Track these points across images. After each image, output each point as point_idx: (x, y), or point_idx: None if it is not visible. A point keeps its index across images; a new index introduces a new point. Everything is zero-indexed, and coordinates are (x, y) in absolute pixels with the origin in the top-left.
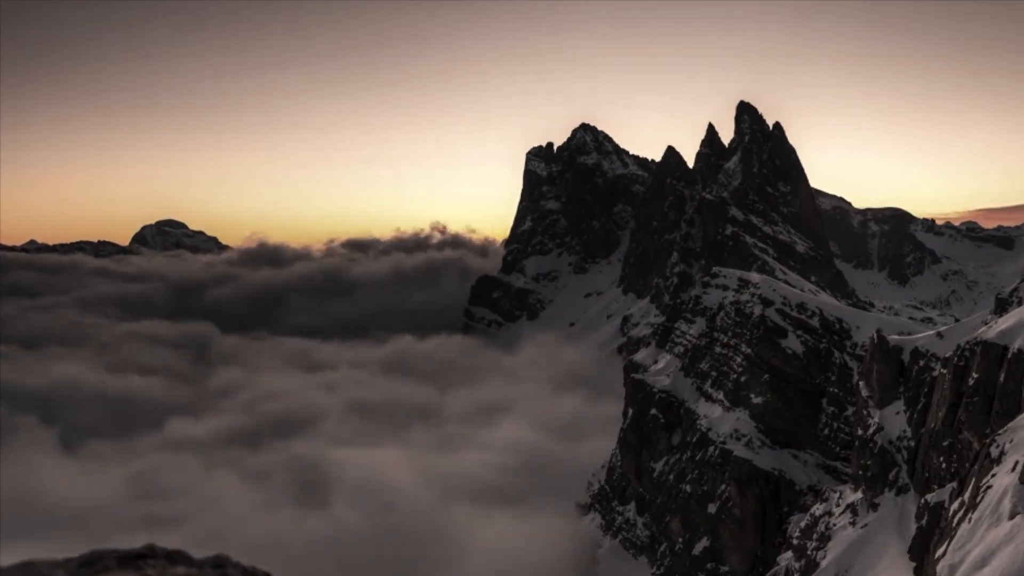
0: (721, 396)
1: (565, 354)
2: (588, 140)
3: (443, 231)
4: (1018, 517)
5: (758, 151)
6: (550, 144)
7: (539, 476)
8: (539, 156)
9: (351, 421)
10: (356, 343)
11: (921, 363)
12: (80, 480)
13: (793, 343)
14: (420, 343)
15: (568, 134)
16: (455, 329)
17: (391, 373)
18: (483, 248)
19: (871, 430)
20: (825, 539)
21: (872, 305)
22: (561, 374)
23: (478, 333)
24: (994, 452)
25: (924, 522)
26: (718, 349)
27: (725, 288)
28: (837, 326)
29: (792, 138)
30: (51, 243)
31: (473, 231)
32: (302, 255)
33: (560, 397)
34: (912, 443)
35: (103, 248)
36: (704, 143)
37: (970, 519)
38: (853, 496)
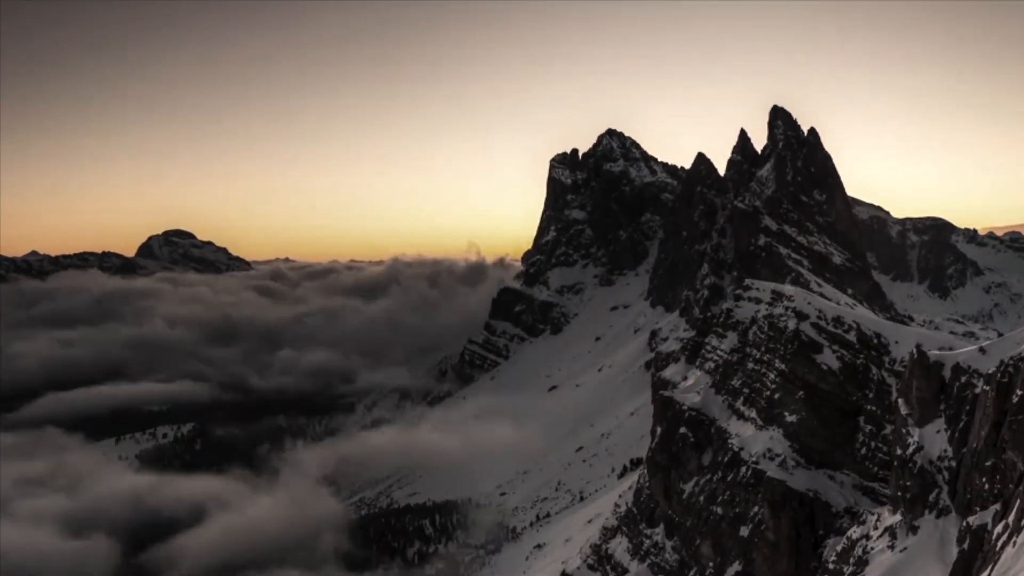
0: (753, 414)
1: None
2: (615, 146)
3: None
4: None
5: (792, 158)
6: (575, 151)
7: None
8: (563, 163)
9: None
10: None
11: (963, 380)
12: None
13: (829, 359)
14: None
15: (593, 140)
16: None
17: None
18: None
19: (910, 449)
20: (862, 563)
21: (911, 319)
22: None
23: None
24: None
25: (966, 546)
26: (750, 365)
27: (758, 301)
28: (875, 341)
29: (828, 144)
30: (53, 254)
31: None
32: None
33: None
34: (953, 463)
35: (107, 260)
36: (736, 149)
37: (1015, 542)
38: (892, 518)
